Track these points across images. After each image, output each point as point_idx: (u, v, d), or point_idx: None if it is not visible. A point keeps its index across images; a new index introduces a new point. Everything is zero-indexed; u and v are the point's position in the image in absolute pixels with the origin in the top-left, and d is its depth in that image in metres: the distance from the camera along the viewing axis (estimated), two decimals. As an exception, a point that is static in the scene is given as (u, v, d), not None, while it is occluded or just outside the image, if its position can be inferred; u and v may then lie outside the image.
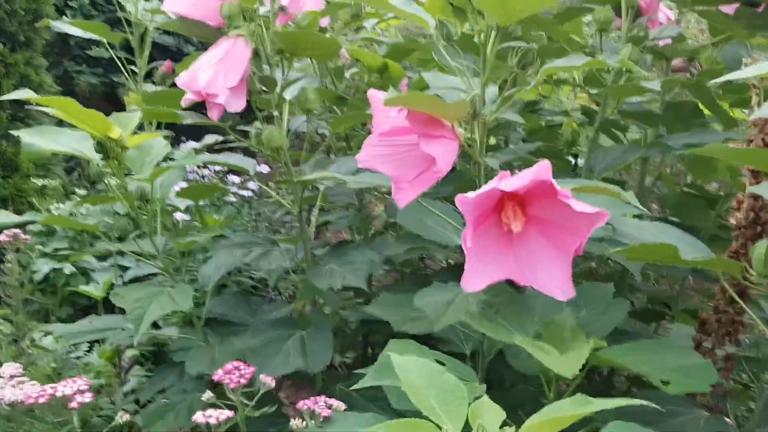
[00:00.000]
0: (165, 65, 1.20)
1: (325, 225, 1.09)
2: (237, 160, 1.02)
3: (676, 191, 1.13)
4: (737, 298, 0.65)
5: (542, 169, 0.59)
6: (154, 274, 1.15)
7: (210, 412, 0.63)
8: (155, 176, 0.89)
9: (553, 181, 0.59)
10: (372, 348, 1.14)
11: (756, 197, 0.67)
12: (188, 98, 0.87)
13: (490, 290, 0.75)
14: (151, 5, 1.20)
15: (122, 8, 1.20)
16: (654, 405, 0.47)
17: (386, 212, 1.18)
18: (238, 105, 0.86)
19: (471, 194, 0.61)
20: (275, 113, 0.94)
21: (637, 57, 0.89)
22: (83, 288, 1.40)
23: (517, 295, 0.71)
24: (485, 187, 0.61)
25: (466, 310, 0.67)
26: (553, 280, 0.64)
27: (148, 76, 1.26)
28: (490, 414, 0.49)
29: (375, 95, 0.70)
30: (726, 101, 1.07)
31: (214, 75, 0.84)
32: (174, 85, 0.88)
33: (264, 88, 0.92)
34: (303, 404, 0.66)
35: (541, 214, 0.65)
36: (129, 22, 1.21)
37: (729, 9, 1.02)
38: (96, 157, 0.89)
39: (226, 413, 0.64)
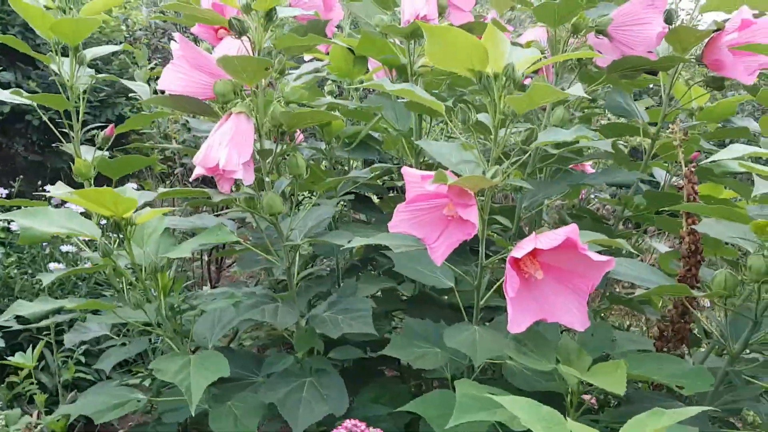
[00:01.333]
0: (107, 130, 1.20)
1: (308, 276, 1.17)
2: (210, 221, 1.07)
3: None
4: (691, 308, 0.87)
5: (573, 230, 0.75)
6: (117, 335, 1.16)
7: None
8: (163, 251, 0.92)
9: (578, 238, 0.75)
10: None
11: (694, 232, 0.89)
12: (199, 173, 0.92)
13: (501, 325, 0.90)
14: (87, 71, 1.20)
15: (56, 74, 1.18)
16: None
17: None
18: (250, 178, 0.92)
19: (516, 253, 0.76)
20: (267, 179, 1.01)
21: (568, 118, 1.08)
22: (12, 359, 1.33)
23: (536, 329, 0.86)
24: (527, 247, 0.75)
25: (505, 346, 0.81)
26: (573, 316, 0.80)
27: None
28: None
29: (409, 171, 0.82)
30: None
31: (230, 152, 0.90)
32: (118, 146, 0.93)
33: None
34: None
35: (553, 262, 0.81)
36: (64, 87, 1.19)
37: (603, 62, 1.24)
38: (97, 235, 0.90)
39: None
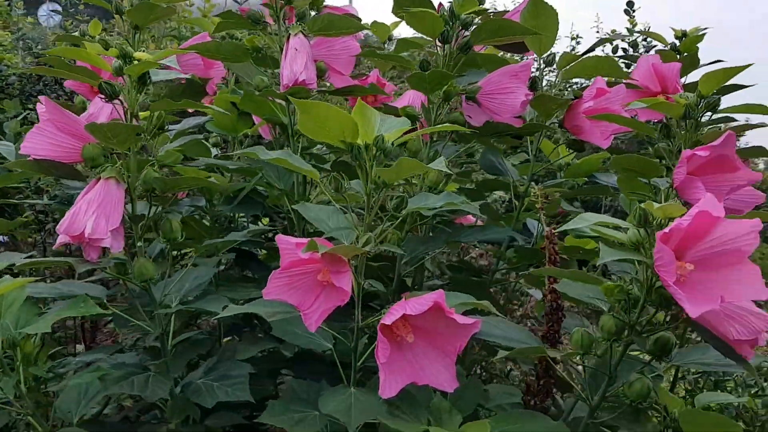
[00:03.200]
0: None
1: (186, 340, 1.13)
2: (77, 287, 1.03)
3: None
4: (554, 366, 0.91)
5: (439, 295, 0.78)
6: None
7: None
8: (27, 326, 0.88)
9: (444, 303, 0.78)
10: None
11: (555, 291, 0.94)
12: (62, 241, 0.89)
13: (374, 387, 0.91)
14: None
15: None
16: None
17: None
18: (119, 245, 0.90)
19: (386, 320, 0.78)
20: (139, 244, 0.99)
21: (442, 179, 1.13)
22: None
23: (409, 391, 0.88)
24: (396, 313, 0.78)
25: (377, 411, 0.82)
26: (442, 377, 0.83)
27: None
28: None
29: (283, 239, 0.83)
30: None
31: (97, 220, 0.87)
32: None
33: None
34: None
35: (423, 325, 0.83)
36: None
37: (477, 122, 1.31)
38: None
39: None
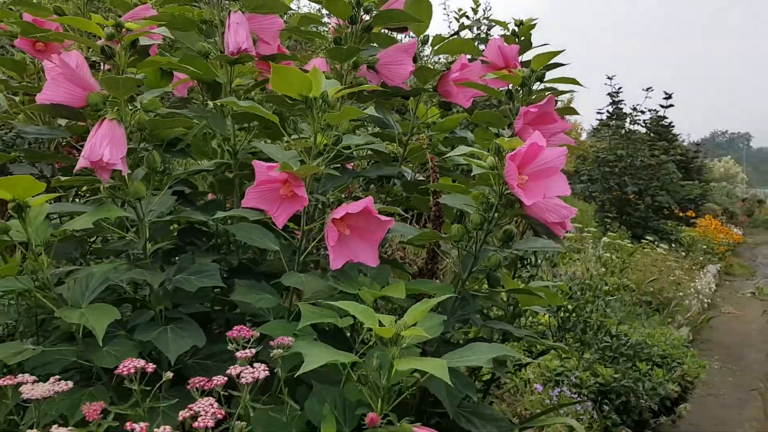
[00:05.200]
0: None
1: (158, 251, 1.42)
2: (84, 207, 1.30)
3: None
4: (438, 253, 1.34)
5: (369, 201, 1.16)
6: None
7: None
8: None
9: (373, 206, 1.17)
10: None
11: (438, 204, 1.36)
12: (82, 164, 1.17)
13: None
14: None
15: None
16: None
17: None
18: (125, 169, 1.19)
19: (335, 215, 1.16)
20: (129, 171, 1.28)
21: (351, 128, 1.50)
22: None
23: (344, 270, 1.26)
24: (341, 211, 1.15)
25: (323, 283, 1.20)
26: (368, 257, 1.22)
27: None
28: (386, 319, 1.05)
29: (258, 163, 1.17)
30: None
31: (111, 150, 1.16)
32: None
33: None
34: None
35: (357, 223, 1.22)
36: None
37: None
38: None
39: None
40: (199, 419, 0.86)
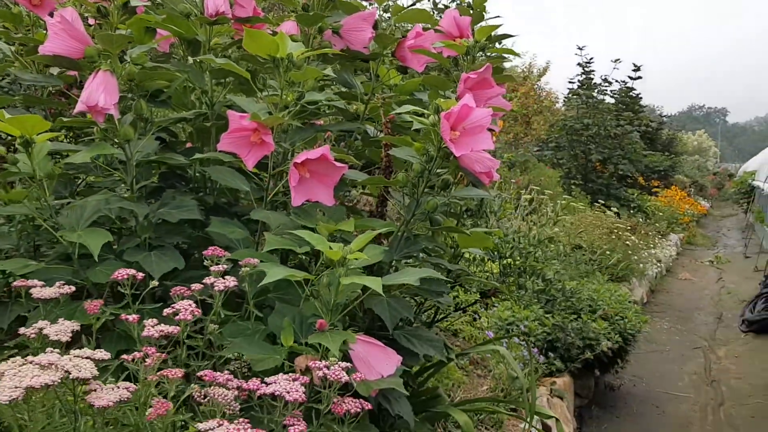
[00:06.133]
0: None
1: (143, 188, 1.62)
2: (79, 147, 1.50)
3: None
4: (387, 198, 1.56)
5: (326, 149, 1.38)
6: None
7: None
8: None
9: (329, 154, 1.39)
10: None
11: (389, 155, 1.58)
12: (80, 109, 1.36)
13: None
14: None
15: None
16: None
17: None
18: (117, 114, 1.39)
19: (297, 159, 1.37)
20: (119, 117, 1.47)
21: (316, 87, 1.70)
22: None
23: (304, 208, 1.48)
24: (302, 156, 1.37)
25: (286, 219, 1.42)
26: (325, 197, 1.44)
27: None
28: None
29: (231, 113, 1.37)
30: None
31: (105, 96, 1.35)
32: None
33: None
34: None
35: (315, 168, 1.43)
36: None
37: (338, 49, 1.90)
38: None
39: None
40: (179, 314, 1.08)
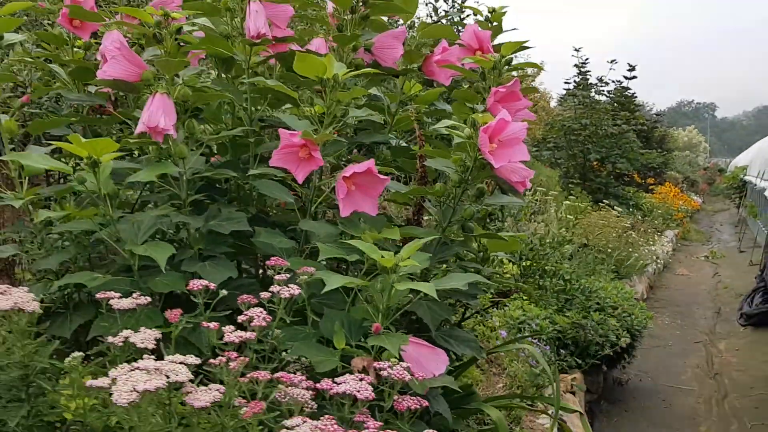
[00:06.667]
0: (24, 98, 1.60)
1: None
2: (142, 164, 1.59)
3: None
4: (423, 206, 1.66)
5: (371, 162, 1.47)
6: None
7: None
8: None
9: (374, 167, 1.48)
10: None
11: (424, 166, 1.67)
12: (141, 129, 1.45)
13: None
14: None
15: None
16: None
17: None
18: (176, 134, 1.48)
19: (344, 173, 1.46)
20: (174, 136, 1.56)
21: (352, 102, 1.80)
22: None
23: (351, 219, 1.57)
24: (349, 170, 1.46)
25: (333, 229, 1.51)
26: (369, 208, 1.53)
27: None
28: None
29: (282, 131, 1.47)
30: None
31: (165, 117, 1.44)
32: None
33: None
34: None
35: (361, 181, 1.52)
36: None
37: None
38: (69, 170, 1.39)
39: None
40: (254, 321, 1.17)
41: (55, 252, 1.62)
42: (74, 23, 1.90)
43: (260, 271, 1.86)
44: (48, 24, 2.03)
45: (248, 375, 1.04)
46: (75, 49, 1.93)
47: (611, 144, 9.46)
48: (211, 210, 1.67)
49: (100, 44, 1.66)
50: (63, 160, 1.62)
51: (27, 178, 1.61)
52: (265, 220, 1.85)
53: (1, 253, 1.66)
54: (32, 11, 1.89)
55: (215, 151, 1.99)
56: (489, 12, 2.26)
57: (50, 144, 1.74)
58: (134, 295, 1.26)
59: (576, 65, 9.97)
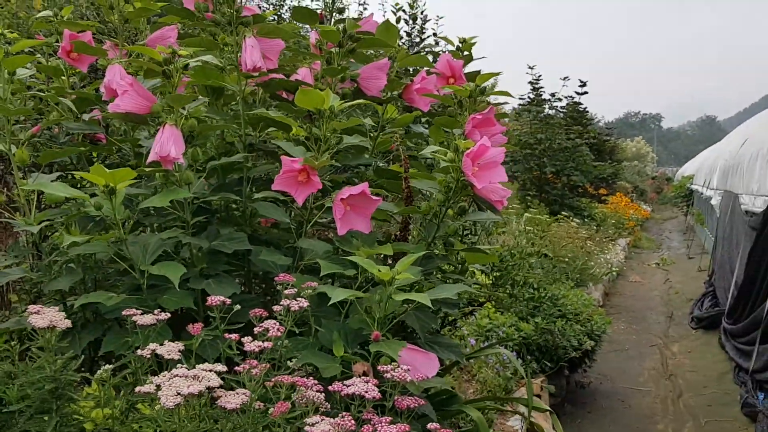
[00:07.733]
0: (34, 129, 1.70)
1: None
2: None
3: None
4: (408, 223, 1.81)
5: (365, 186, 1.61)
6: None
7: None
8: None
9: (368, 189, 1.63)
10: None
11: (409, 187, 1.83)
12: (152, 158, 1.56)
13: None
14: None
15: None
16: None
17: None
18: (184, 163, 1.60)
19: (341, 195, 1.60)
20: (180, 162, 1.68)
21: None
22: None
23: (346, 237, 1.70)
24: (345, 192, 1.60)
25: (328, 246, 1.65)
26: (363, 226, 1.67)
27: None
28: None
29: (284, 158, 1.60)
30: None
31: (174, 147, 1.56)
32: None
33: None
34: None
35: (355, 202, 1.67)
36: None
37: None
38: (87, 197, 1.50)
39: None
40: (270, 331, 1.30)
41: (64, 274, 1.72)
42: (72, 56, 2.01)
43: (251, 286, 1.98)
44: (42, 56, 2.13)
45: (273, 379, 1.16)
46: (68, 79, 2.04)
47: (565, 157, 9.82)
48: (210, 230, 1.79)
49: (91, 75, 1.78)
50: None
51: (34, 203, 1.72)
52: (259, 239, 1.97)
53: (8, 276, 1.75)
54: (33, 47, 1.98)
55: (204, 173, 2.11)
56: (460, 42, 2.44)
57: (58, 172, 1.85)
58: (156, 311, 1.37)
59: (530, 82, 10.34)
